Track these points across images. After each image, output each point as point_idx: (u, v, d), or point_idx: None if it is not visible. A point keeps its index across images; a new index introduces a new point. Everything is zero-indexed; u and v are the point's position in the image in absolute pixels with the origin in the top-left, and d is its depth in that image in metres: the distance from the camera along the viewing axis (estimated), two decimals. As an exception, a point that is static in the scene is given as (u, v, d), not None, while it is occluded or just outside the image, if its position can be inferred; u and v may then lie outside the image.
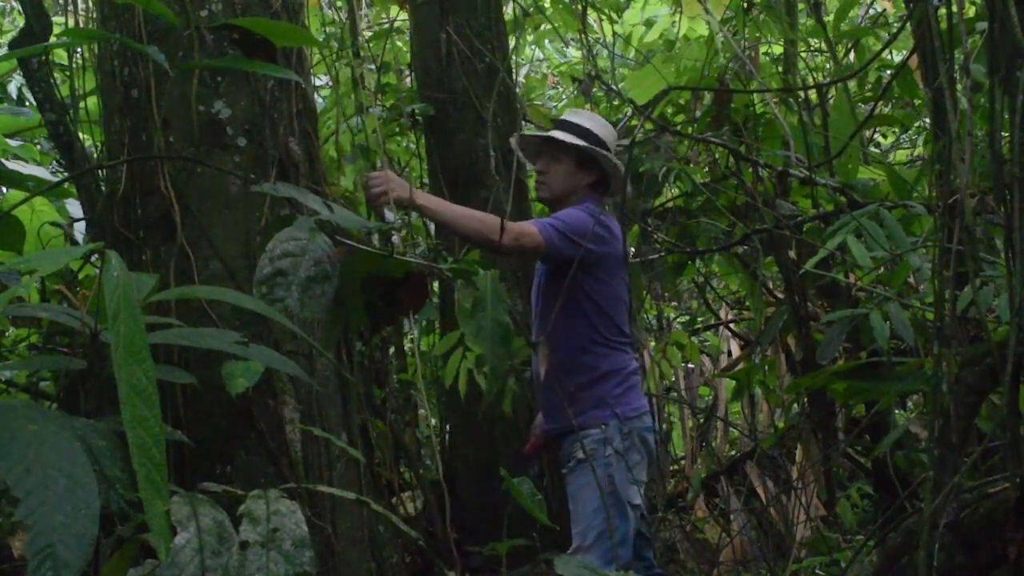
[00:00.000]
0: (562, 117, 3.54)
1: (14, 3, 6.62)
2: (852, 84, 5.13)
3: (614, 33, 6.77)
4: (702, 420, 6.45)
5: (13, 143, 4.45)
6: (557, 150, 3.38)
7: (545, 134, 3.48)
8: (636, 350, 5.31)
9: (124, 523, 1.94)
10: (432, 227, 5.24)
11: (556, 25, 6.30)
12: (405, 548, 4.30)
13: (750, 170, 4.81)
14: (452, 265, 2.26)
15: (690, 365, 6.35)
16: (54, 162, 4.93)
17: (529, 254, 3.28)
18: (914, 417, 5.78)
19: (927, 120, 5.00)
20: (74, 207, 4.00)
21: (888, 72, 5.62)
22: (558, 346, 3.26)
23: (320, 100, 5.46)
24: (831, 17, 5.58)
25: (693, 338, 6.05)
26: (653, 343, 5.55)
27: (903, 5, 5.78)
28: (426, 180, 5.26)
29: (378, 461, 4.28)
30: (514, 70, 5.36)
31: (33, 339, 4.00)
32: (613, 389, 3.27)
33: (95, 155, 3.64)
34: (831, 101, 5.46)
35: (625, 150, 3.46)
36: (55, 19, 4.25)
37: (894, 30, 4.66)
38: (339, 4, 5.71)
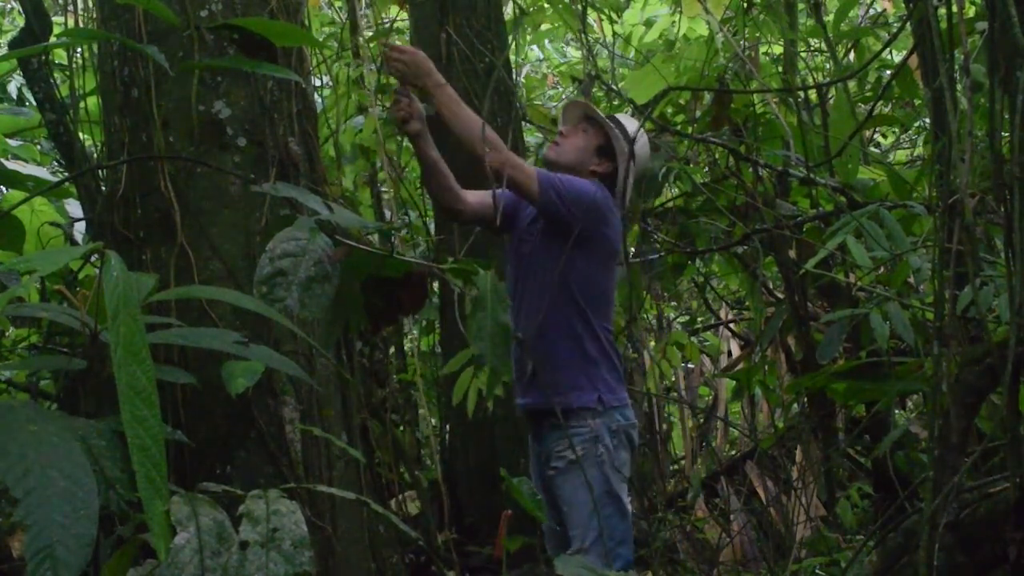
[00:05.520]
0: (618, 116, 3.43)
1: (14, 3, 6.62)
2: (852, 84, 5.13)
3: (614, 33, 6.77)
4: (702, 420, 6.46)
5: (13, 143, 4.45)
6: (590, 126, 3.31)
7: (593, 108, 3.39)
8: (635, 350, 5.29)
9: (124, 523, 1.94)
10: (432, 227, 5.24)
11: (555, 26, 6.30)
12: (405, 548, 4.30)
13: (750, 170, 4.80)
14: (452, 265, 2.26)
15: (690, 365, 6.35)
16: (54, 162, 4.93)
17: (517, 189, 3.09)
18: (914, 417, 5.79)
19: (927, 120, 5.00)
20: (74, 207, 4.00)
21: (888, 72, 5.62)
22: (545, 317, 3.10)
23: (320, 100, 5.45)
24: (831, 17, 5.58)
25: (693, 338, 6.05)
26: (653, 343, 5.55)
27: (903, 5, 5.77)
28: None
29: (378, 461, 4.28)
30: (514, 70, 5.36)
31: (33, 339, 4.00)
32: (604, 374, 3.16)
33: (95, 155, 3.64)
34: (831, 101, 5.46)
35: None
36: (55, 19, 4.26)
37: (894, 30, 4.66)
38: (339, 4, 5.71)
